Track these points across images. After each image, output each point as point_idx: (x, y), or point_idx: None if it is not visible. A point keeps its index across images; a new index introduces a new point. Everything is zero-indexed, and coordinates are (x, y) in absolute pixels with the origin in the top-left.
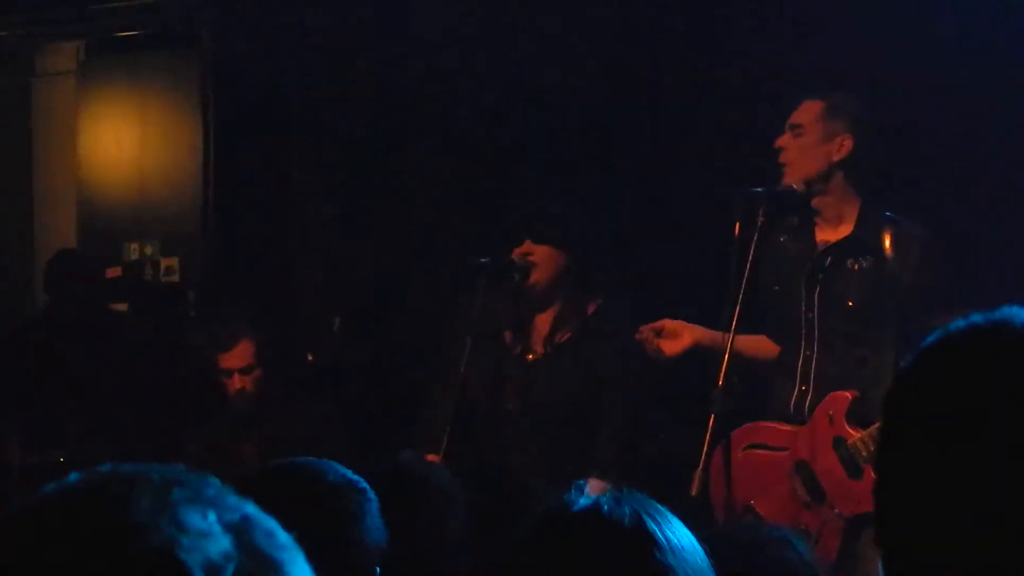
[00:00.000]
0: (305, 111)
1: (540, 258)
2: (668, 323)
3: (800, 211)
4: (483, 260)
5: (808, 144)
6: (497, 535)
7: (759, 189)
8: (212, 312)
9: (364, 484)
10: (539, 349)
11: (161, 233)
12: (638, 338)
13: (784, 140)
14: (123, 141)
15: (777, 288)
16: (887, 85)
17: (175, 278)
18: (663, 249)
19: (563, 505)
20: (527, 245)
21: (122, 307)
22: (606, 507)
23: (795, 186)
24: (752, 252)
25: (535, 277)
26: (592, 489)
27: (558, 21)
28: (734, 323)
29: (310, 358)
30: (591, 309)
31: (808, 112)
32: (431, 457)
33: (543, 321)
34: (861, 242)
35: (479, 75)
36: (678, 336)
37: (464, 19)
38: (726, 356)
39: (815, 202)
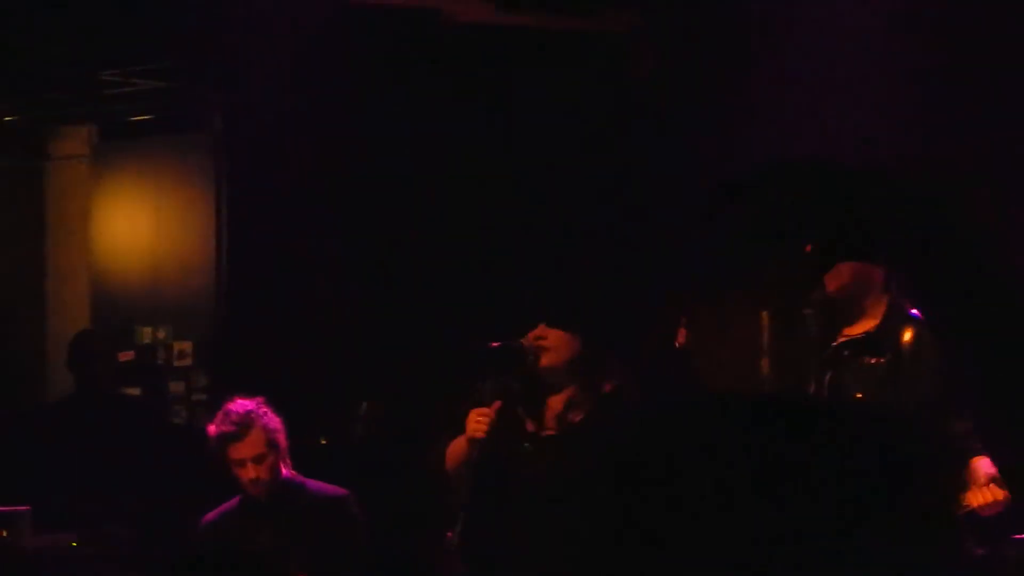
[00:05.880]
0: (317, 193)
1: (553, 342)
2: None
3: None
4: (495, 344)
5: (858, 296)
6: None
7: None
8: (222, 400)
9: None
10: (552, 428)
11: (174, 317)
12: None
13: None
14: (136, 225)
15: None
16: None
17: (188, 362)
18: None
19: None
20: (540, 329)
21: (135, 391)
22: None
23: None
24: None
25: (548, 360)
26: None
27: (563, 105)
28: None
29: (323, 442)
30: (607, 389)
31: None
32: (449, 534)
33: (557, 402)
34: (881, 341)
35: (489, 154)
36: None
37: (473, 98)
38: None
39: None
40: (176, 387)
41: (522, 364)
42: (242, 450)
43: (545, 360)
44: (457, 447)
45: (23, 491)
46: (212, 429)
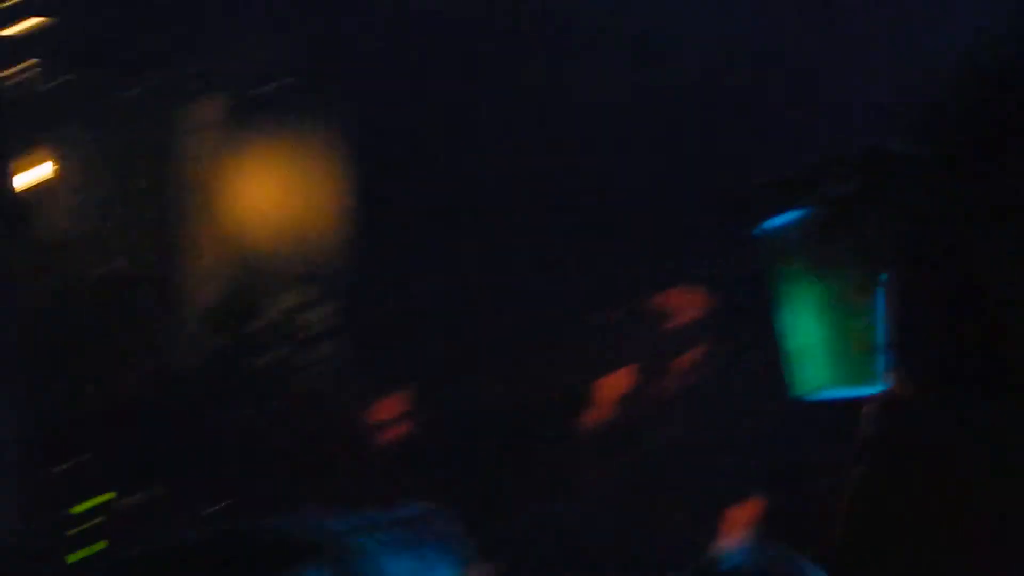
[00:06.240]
0: (446, 160)
1: (683, 303)
2: None
3: None
4: (609, 313)
5: None
6: None
7: None
8: (367, 360)
9: None
10: (677, 387)
11: (305, 287)
12: None
13: None
14: (266, 193)
15: None
16: None
17: (322, 329)
18: None
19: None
20: (670, 292)
21: (266, 360)
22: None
23: None
24: None
25: (674, 323)
26: None
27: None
28: None
29: (447, 416)
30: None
31: None
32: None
33: (683, 362)
34: None
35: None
36: None
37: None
38: None
39: None
40: (309, 356)
41: (640, 329)
42: (385, 410)
43: (671, 322)
44: None
45: (154, 477)
46: (357, 387)
